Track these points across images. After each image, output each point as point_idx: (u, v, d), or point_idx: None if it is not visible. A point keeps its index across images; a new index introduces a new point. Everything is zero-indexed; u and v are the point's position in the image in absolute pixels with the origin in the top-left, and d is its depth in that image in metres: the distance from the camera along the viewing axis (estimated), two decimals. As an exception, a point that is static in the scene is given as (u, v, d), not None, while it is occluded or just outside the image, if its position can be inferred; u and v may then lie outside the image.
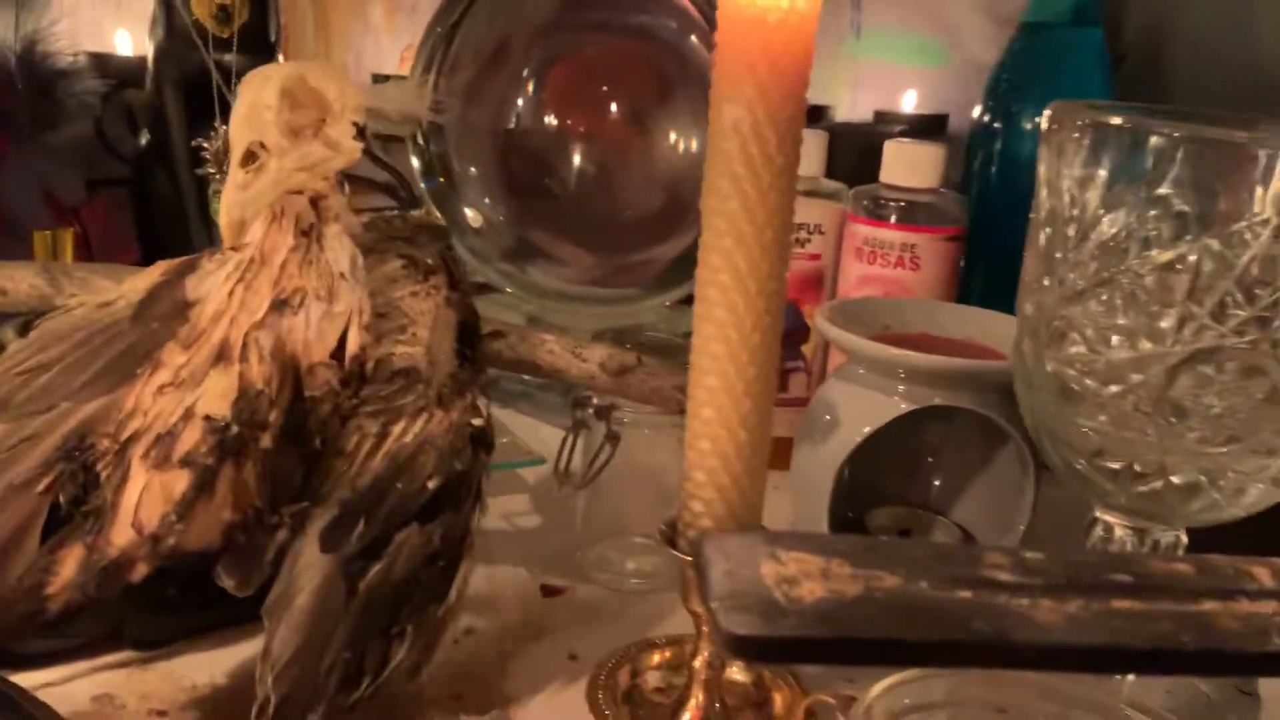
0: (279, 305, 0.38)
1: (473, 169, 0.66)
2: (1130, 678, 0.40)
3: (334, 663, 0.36)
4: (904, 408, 0.49)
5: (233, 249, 0.38)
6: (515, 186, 0.66)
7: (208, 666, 0.41)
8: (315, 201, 0.39)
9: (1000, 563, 0.25)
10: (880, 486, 0.57)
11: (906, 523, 0.56)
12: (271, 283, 0.38)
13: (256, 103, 0.37)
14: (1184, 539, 0.38)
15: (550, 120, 0.65)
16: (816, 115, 0.95)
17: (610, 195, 0.64)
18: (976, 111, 0.88)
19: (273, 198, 0.38)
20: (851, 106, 1.01)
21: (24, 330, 0.40)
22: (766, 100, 0.34)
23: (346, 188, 0.41)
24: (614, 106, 0.66)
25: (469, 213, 0.68)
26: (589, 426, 0.48)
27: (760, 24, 0.33)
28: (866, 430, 0.50)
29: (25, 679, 0.36)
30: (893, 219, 0.59)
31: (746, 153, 0.34)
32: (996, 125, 0.87)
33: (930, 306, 0.56)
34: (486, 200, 0.66)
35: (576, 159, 0.65)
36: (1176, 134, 0.32)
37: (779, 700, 0.41)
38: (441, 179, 0.67)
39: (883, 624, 0.22)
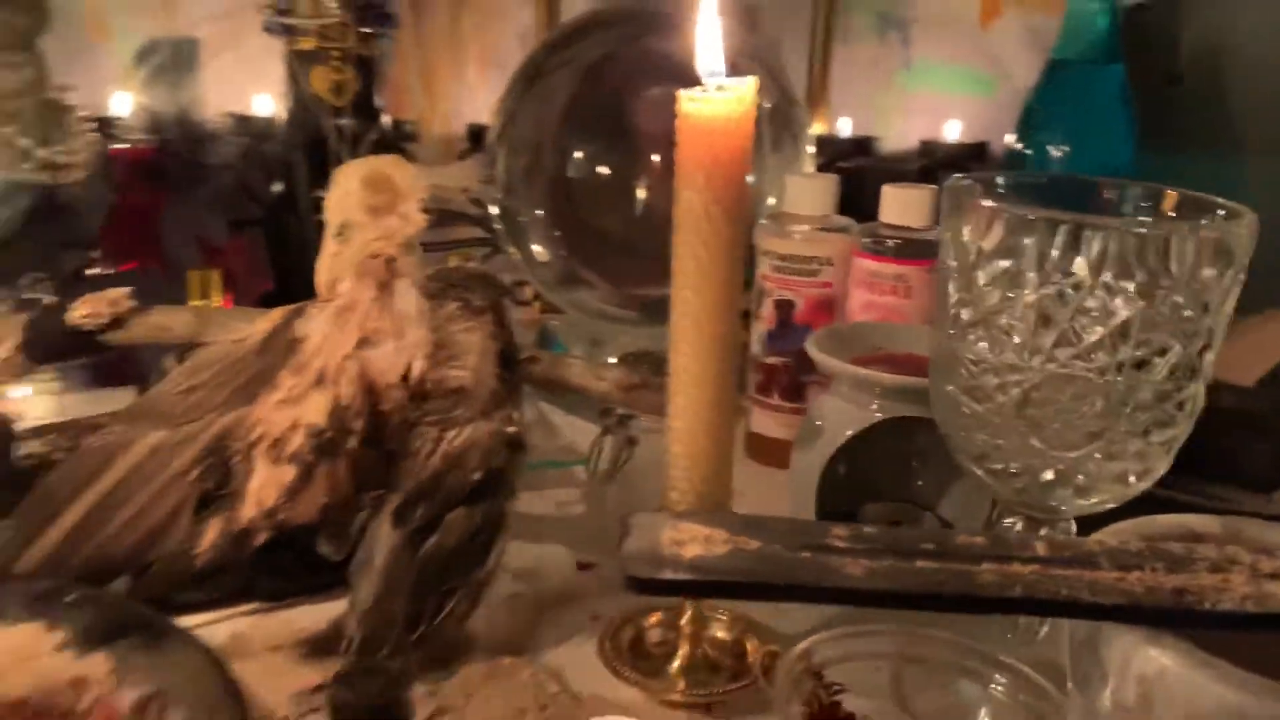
0: (362, 342, 0.50)
1: (538, 211, 0.79)
2: (1041, 635, 0.49)
3: (400, 611, 0.48)
4: (878, 417, 0.59)
5: (328, 300, 0.51)
6: (571, 227, 0.78)
7: (312, 615, 0.54)
8: (389, 263, 0.51)
9: (842, 534, 0.36)
10: (875, 485, 0.66)
11: (896, 516, 0.65)
12: (357, 325, 0.50)
13: (345, 191, 0.50)
14: (1072, 530, 0.47)
15: (602, 170, 0.76)
16: (863, 146, 1.04)
17: (654, 234, 0.75)
18: (1009, 139, 0.96)
19: (357, 261, 0.50)
20: (900, 137, 1.09)
21: (181, 359, 0.54)
22: (713, 187, 0.44)
23: (417, 249, 0.53)
24: (656, 157, 0.77)
25: (536, 248, 0.80)
26: (613, 432, 0.60)
27: (708, 131, 0.44)
28: (847, 435, 0.59)
29: (180, 622, 0.49)
30: (889, 254, 0.68)
31: (699, 227, 0.45)
32: (1027, 153, 0.94)
33: (918, 331, 0.65)
34: (548, 237, 0.79)
35: (626, 203, 0.77)
36: (1030, 216, 0.41)
37: (750, 649, 0.52)
38: (516, 218, 0.80)
39: (733, 572, 0.33)
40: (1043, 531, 0.47)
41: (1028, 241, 0.41)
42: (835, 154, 1.03)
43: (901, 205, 0.69)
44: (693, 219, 0.45)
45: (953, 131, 1.06)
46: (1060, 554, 0.35)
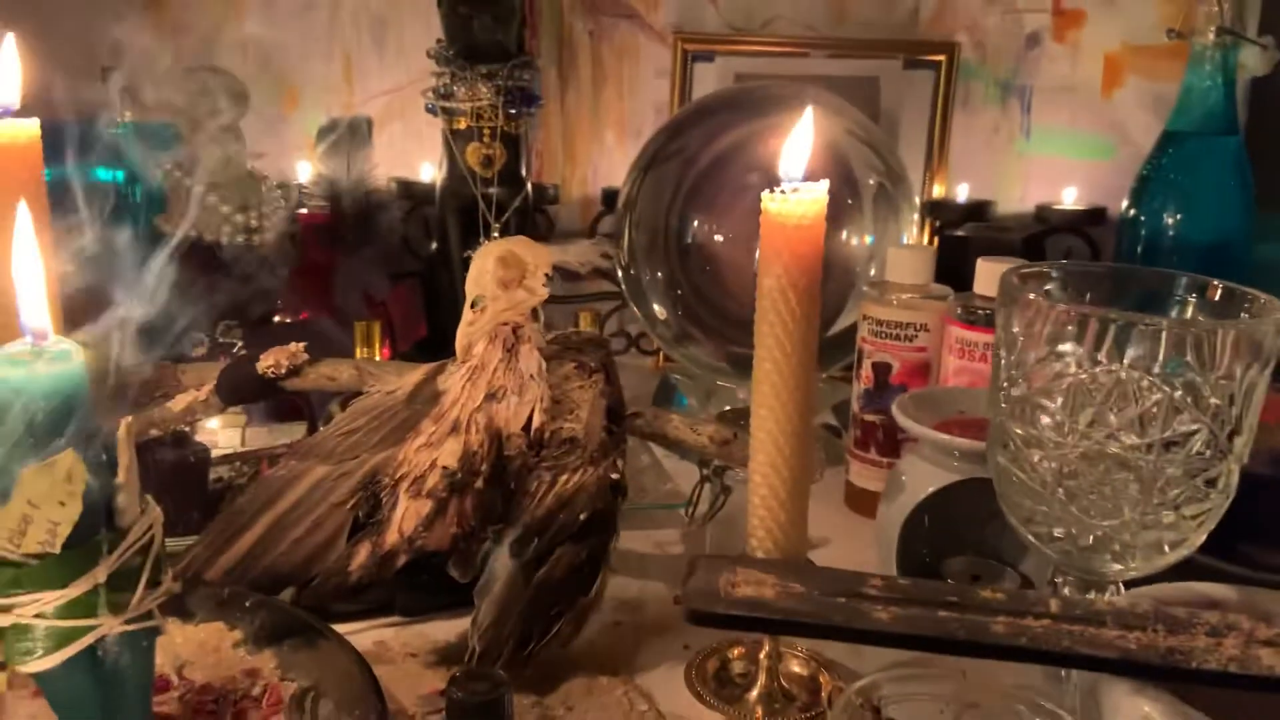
0: (490, 397, 0.59)
1: (659, 274, 0.86)
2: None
3: (514, 630, 0.56)
4: (955, 478, 0.63)
5: (465, 360, 0.59)
6: (685, 289, 0.86)
7: (444, 628, 0.63)
8: (516, 330, 0.60)
9: (877, 584, 0.42)
10: (958, 539, 0.70)
11: (977, 570, 0.69)
12: (487, 382, 0.59)
13: (482, 269, 0.58)
14: (1120, 592, 0.51)
15: (718, 238, 0.84)
16: (978, 211, 1.07)
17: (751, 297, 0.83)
18: (1124, 204, 0.98)
19: (490, 328, 0.59)
20: (1018, 201, 1.12)
21: (344, 406, 0.64)
22: (789, 274, 0.51)
23: (541, 316, 0.62)
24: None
25: (656, 307, 0.88)
26: (710, 481, 0.66)
27: (785, 228, 0.50)
28: (927, 492, 0.64)
29: (335, 628, 0.58)
30: (979, 324, 0.73)
31: (778, 308, 0.51)
32: (1141, 219, 0.96)
33: (1004, 396, 0.69)
34: (667, 298, 0.86)
35: (735, 268, 0.84)
36: (1070, 313, 0.46)
37: (824, 684, 0.57)
38: (639, 281, 0.88)
39: (776, 610, 0.39)
40: (1091, 593, 0.51)
41: (1067, 332, 0.46)
42: (950, 218, 1.07)
43: (993, 278, 0.73)
44: (772, 301, 0.51)
45: (1070, 196, 1.08)
46: (1070, 611, 0.39)
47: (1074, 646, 0.37)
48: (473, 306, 0.59)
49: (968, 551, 0.71)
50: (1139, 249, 0.96)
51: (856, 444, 0.81)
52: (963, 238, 1.01)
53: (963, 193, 1.09)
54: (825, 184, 0.50)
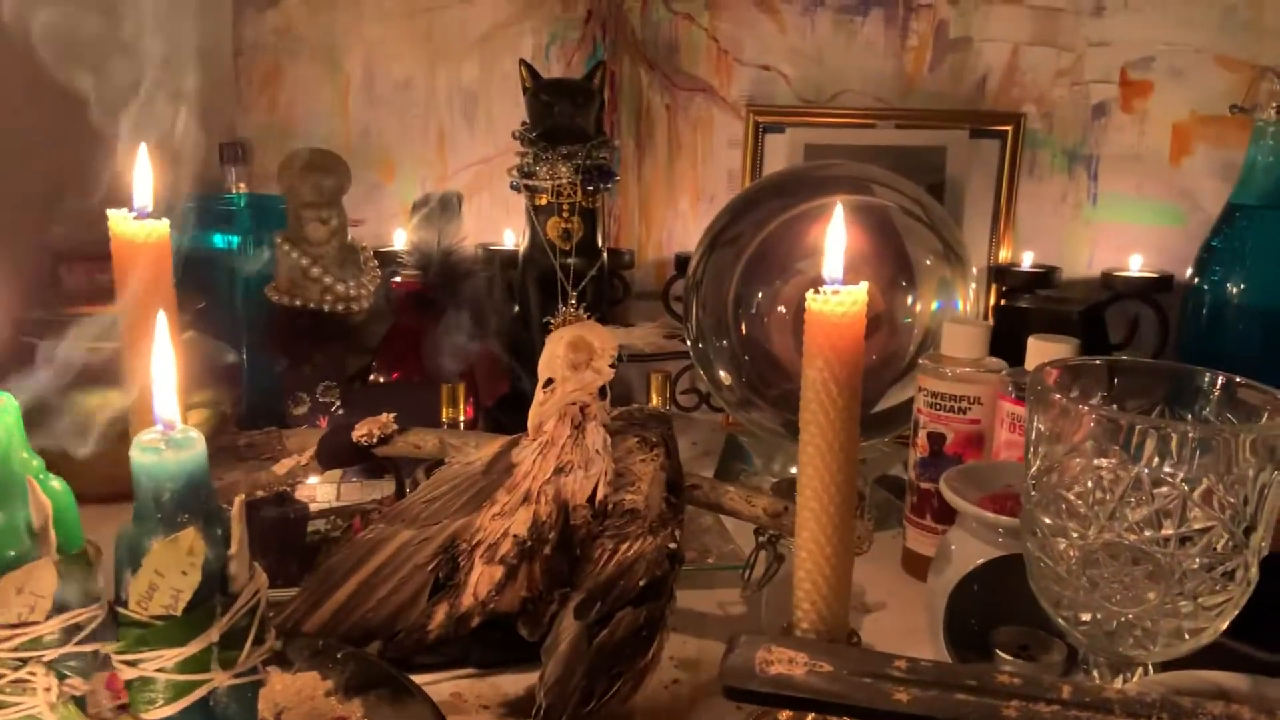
0: (559, 470, 0.64)
1: (724, 342, 0.91)
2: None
3: (577, 687, 0.61)
4: (999, 553, 0.66)
5: (535, 437, 0.65)
6: (747, 357, 0.90)
7: (515, 681, 0.68)
8: (584, 408, 0.65)
9: (902, 666, 0.45)
10: (1009, 609, 0.73)
11: (1025, 640, 0.72)
12: (556, 457, 0.64)
13: (552, 354, 0.64)
14: (1148, 674, 0.53)
15: (772, 316, 0.88)
16: (1044, 277, 1.09)
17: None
18: (1189, 273, 0.99)
19: (559, 408, 0.64)
20: (1087, 266, 1.14)
21: (428, 473, 0.70)
22: (831, 367, 0.55)
23: (608, 394, 0.67)
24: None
25: (721, 373, 0.93)
26: (765, 549, 0.70)
27: (827, 325, 0.55)
28: (974, 564, 0.67)
29: (415, 678, 0.64)
30: (1029, 400, 0.76)
31: (820, 398, 0.56)
32: (1205, 288, 0.98)
33: (1052, 471, 0.72)
34: (731, 365, 0.91)
35: (790, 345, 0.88)
36: (1092, 415, 0.49)
37: (864, 752, 0.60)
38: (706, 352, 0.93)
39: (803, 689, 0.43)
40: (1119, 681, 0.53)
41: (1091, 431, 0.49)
42: (1016, 284, 1.10)
43: (1042, 356, 0.76)
44: (815, 392, 0.56)
45: (1137, 263, 1.10)
46: (1080, 698, 0.43)
47: (1078, 733, 0.41)
48: (544, 387, 0.65)
49: (1016, 621, 0.73)
50: (1203, 317, 0.98)
51: (913, 510, 0.84)
52: (1023, 309, 1.03)
53: (1028, 259, 1.12)
54: (865, 286, 0.54)
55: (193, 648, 0.48)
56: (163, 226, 0.61)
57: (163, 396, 0.48)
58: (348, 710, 0.60)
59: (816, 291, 0.55)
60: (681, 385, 1.17)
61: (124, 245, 0.60)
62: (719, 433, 1.10)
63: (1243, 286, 0.95)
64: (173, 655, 0.47)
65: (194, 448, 0.48)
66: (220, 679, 0.49)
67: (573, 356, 0.65)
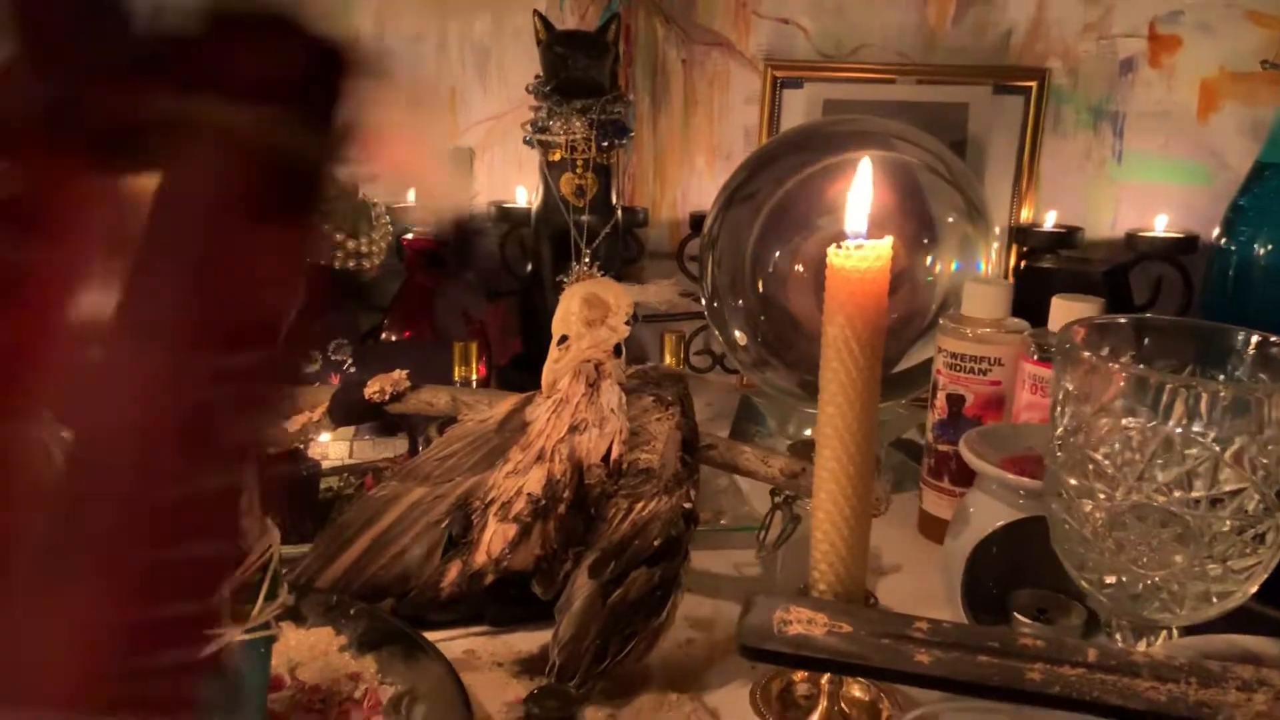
0: (573, 428, 0.63)
1: (739, 302, 0.90)
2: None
3: (591, 646, 0.60)
4: (1019, 515, 0.65)
5: (549, 395, 0.64)
6: (763, 317, 0.89)
7: (529, 639, 0.67)
8: (598, 366, 0.64)
9: (923, 628, 0.44)
10: (1028, 572, 0.72)
11: (1044, 604, 0.71)
12: (570, 415, 0.63)
13: (567, 310, 0.63)
14: (1173, 638, 0.53)
15: (792, 275, 0.87)
16: (1067, 237, 1.07)
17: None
18: (1215, 233, 0.97)
19: (574, 365, 0.63)
20: (1111, 226, 1.12)
21: (440, 431, 0.69)
22: (853, 325, 0.54)
23: (623, 352, 0.66)
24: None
25: (737, 333, 0.91)
26: (780, 509, 0.70)
27: (849, 280, 0.53)
28: (993, 527, 0.66)
29: (429, 636, 0.63)
30: (1051, 361, 0.74)
31: (841, 355, 0.54)
32: (1232, 249, 0.96)
33: (1074, 433, 0.71)
34: (747, 325, 0.90)
35: (814, 296, 0.87)
36: (1121, 373, 0.48)
37: (883, 711, 0.60)
38: (721, 312, 0.91)
39: (822, 650, 0.43)
40: (1143, 644, 0.53)
41: (1121, 390, 0.48)
42: (1038, 245, 1.08)
43: (1067, 316, 0.74)
44: (836, 349, 0.54)
45: (1162, 223, 1.08)
46: (1106, 661, 0.42)
47: (1104, 696, 0.40)
48: (559, 344, 0.64)
49: (1035, 585, 0.72)
50: (1229, 279, 0.96)
51: (930, 472, 0.83)
52: (1045, 269, 1.01)
53: (1050, 219, 1.10)
54: (889, 240, 0.53)
55: (204, 603, 0.47)
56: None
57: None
58: (361, 666, 0.60)
59: (839, 247, 0.53)
60: (696, 346, 1.15)
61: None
62: (733, 394, 1.09)
63: (1270, 247, 0.93)
64: (184, 610, 0.47)
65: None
66: (232, 633, 0.48)
67: (587, 313, 0.64)
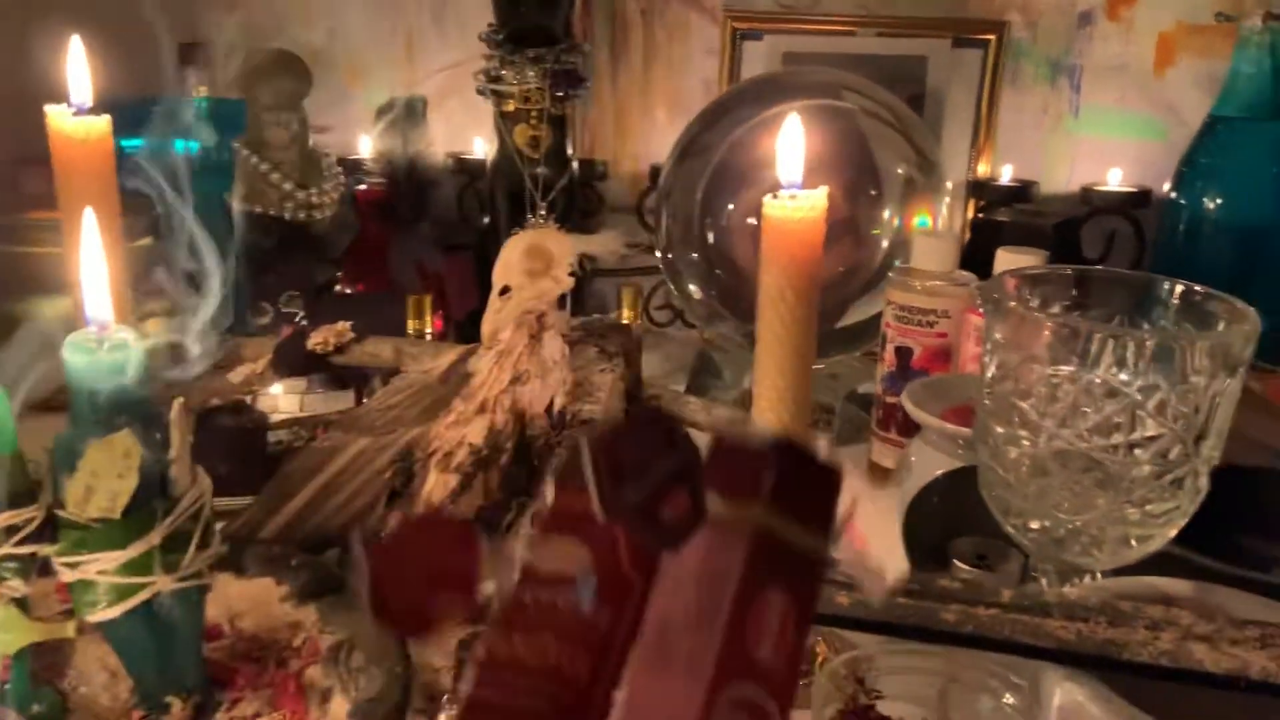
0: (515, 380, 0.63)
1: (693, 255, 0.90)
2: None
3: (533, 594, 0.61)
4: (958, 464, 0.66)
5: (490, 346, 0.64)
6: (716, 270, 0.89)
7: (473, 590, 0.68)
8: (541, 317, 0.64)
9: (845, 572, 0.45)
10: (968, 521, 0.73)
11: (983, 550, 0.72)
12: (512, 366, 0.63)
13: (508, 260, 0.63)
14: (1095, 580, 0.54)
15: (740, 227, 0.87)
16: (1022, 192, 1.08)
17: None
18: (1166, 187, 0.98)
19: (516, 316, 0.63)
20: (1067, 181, 1.12)
21: (385, 382, 0.69)
22: (788, 275, 0.54)
23: (568, 304, 0.66)
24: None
25: (691, 287, 0.91)
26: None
27: (784, 231, 0.54)
28: (932, 475, 0.67)
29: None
30: (996, 312, 0.75)
31: (776, 306, 0.55)
32: (1183, 202, 0.96)
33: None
34: (701, 278, 0.90)
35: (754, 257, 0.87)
36: (1046, 321, 0.48)
37: (820, 653, 0.61)
38: (675, 264, 0.91)
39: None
40: (1068, 585, 0.54)
41: (1046, 339, 0.49)
42: (994, 199, 1.08)
43: (1010, 267, 0.75)
44: (771, 299, 0.55)
45: (1116, 177, 1.08)
46: (1019, 602, 0.43)
47: (1015, 635, 0.41)
48: (500, 294, 0.63)
49: (975, 532, 0.73)
50: (1180, 232, 0.97)
51: (878, 424, 0.84)
52: (997, 222, 1.01)
53: (1007, 173, 1.10)
54: (824, 190, 0.53)
55: (133, 551, 0.47)
56: (102, 123, 0.59)
57: (94, 296, 0.47)
58: (301, 615, 0.60)
59: (774, 197, 0.54)
60: (656, 301, 1.15)
61: (63, 143, 0.58)
62: (693, 349, 1.10)
63: (1220, 201, 0.94)
64: (113, 558, 0.47)
65: (128, 349, 0.47)
66: (163, 583, 0.49)
67: (530, 263, 0.63)
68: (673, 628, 0.29)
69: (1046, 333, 0.48)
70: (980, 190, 1.10)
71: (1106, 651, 0.40)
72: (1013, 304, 0.50)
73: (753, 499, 0.29)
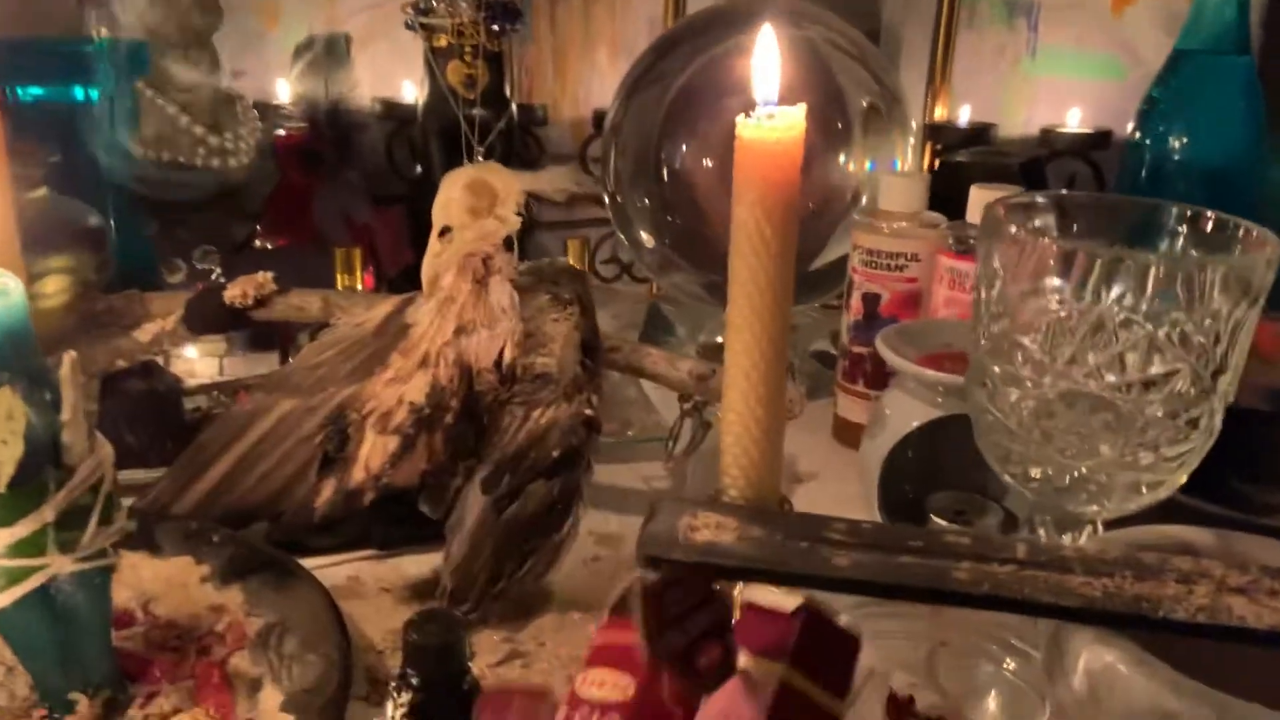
0: (460, 330, 0.57)
1: (646, 200, 0.84)
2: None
3: (485, 566, 0.55)
4: (938, 413, 0.62)
5: (431, 293, 0.58)
6: (670, 216, 0.83)
7: (419, 563, 0.62)
8: (486, 260, 0.58)
9: (841, 529, 0.40)
10: (944, 474, 0.69)
11: (962, 505, 0.68)
12: (456, 315, 0.57)
13: (448, 196, 0.56)
14: (1098, 533, 0.50)
15: (699, 164, 0.81)
16: (980, 135, 1.04)
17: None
18: (1129, 127, 0.95)
19: (458, 259, 0.57)
20: (1025, 123, 1.09)
21: (313, 337, 0.63)
22: (764, 205, 0.48)
23: (515, 247, 0.60)
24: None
25: (643, 234, 0.86)
26: (690, 416, 0.65)
27: (760, 155, 0.48)
28: (910, 427, 0.63)
29: (309, 563, 0.58)
30: (970, 254, 0.71)
31: (752, 241, 0.49)
32: (1146, 142, 0.93)
33: (992, 328, 0.67)
34: (653, 225, 0.84)
35: (720, 194, 0.81)
36: (1052, 247, 0.44)
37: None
38: (624, 209, 0.85)
39: (733, 556, 0.38)
40: (1068, 534, 0.50)
41: (1051, 268, 0.44)
42: (951, 142, 1.04)
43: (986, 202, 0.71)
44: (745, 234, 0.49)
45: (1075, 119, 1.05)
46: (1036, 558, 0.38)
47: (1036, 594, 0.36)
48: (440, 236, 0.57)
49: (953, 486, 0.69)
50: (1143, 174, 0.93)
51: (845, 376, 0.79)
52: (960, 163, 0.97)
53: (964, 116, 1.06)
54: (802, 107, 0.48)
55: (22, 529, 0.41)
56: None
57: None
58: (225, 597, 0.54)
59: (748, 115, 0.48)
60: (602, 254, 1.10)
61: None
62: (642, 305, 1.04)
63: (1184, 139, 0.91)
64: (0, 537, 0.41)
65: (9, 297, 0.41)
66: (60, 564, 0.42)
67: (472, 201, 0.57)
68: None
69: (1050, 260, 0.44)
70: (938, 133, 1.05)
71: (1139, 609, 0.36)
72: (1012, 229, 0.45)
73: (778, 657, 0.35)
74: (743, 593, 0.41)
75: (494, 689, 0.36)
